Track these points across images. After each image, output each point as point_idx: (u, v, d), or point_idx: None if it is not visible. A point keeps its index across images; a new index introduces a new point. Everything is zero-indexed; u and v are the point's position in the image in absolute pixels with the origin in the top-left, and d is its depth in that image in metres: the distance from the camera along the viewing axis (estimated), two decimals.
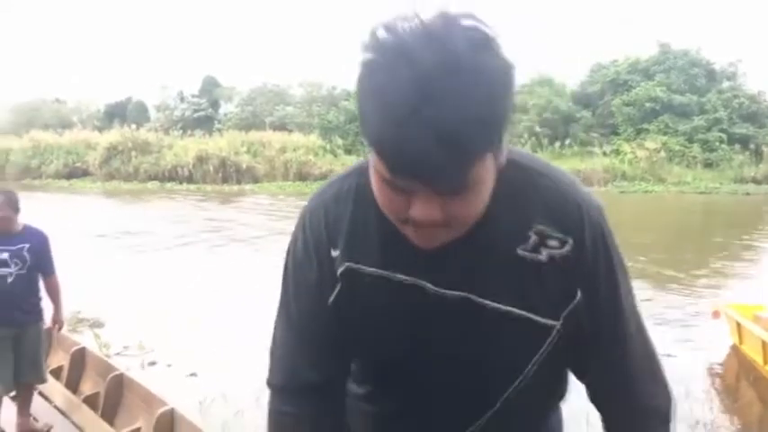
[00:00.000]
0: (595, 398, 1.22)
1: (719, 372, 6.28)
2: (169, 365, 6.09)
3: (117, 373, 4.26)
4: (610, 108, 32.31)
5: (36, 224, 4.21)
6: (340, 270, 1.12)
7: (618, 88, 32.88)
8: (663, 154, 29.17)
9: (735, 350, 6.55)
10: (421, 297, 1.08)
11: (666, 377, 1.20)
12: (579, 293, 1.09)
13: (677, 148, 29.76)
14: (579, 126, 32.28)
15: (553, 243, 1.06)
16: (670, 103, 30.77)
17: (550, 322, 1.09)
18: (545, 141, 31.19)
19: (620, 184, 27.78)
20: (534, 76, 36.96)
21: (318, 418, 1.18)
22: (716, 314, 6.71)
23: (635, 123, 31.24)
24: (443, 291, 1.08)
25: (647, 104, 30.80)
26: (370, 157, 0.97)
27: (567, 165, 28.62)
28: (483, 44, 0.86)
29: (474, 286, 1.08)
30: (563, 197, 1.08)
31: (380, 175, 0.93)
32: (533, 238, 1.06)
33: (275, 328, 1.22)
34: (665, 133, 30.34)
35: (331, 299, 1.13)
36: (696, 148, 29.93)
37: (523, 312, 1.08)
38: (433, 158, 0.83)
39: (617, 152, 30.39)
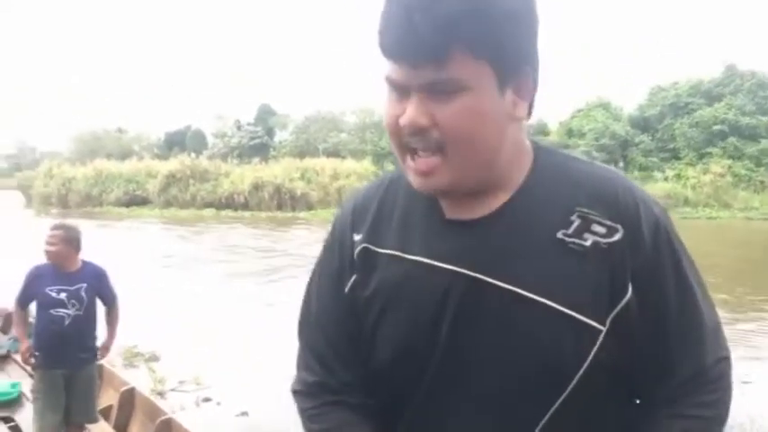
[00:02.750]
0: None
1: None
2: (219, 403, 5.93)
3: (165, 417, 4.13)
4: (671, 132, 31.45)
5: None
6: (356, 251, 1.05)
7: (678, 111, 32.01)
8: (728, 178, 28.10)
9: None
10: (440, 282, 0.96)
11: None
12: (630, 290, 0.92)
13: (743, 172, 28.68)
14: (638, 150, 31.53)
15: (599, 229, 0.93)
16: (737, 126, 29.73)
17: (595, 325, 0.92)
18: None
19: (682, 210, 26.84)
20: (591, 99, 36.44)
21: (354, 413, 1.06)
22: None
23: (698, 147, 30.30)
24: (465, 272, 0.94)
25: (714, 127, 29.82)
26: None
27: None
28: None
29: (504, 272, 0.93)
30: (614, 184, 0.97)
31: (386, 81, 0.93)
32: (576, 221, 0.93)
33: (299, 328, 1.15)
34: (730, 156, 29.29)
35: (348, 286, 1.06)
36: (764, 172, 28.77)
37: (562, 308, 0.91)
38: (412, 23, 0.84)
39: (678, 177, 29.46)
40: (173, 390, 6.23)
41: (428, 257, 0.97)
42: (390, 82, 0.92)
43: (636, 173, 30.38)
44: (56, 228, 3.93)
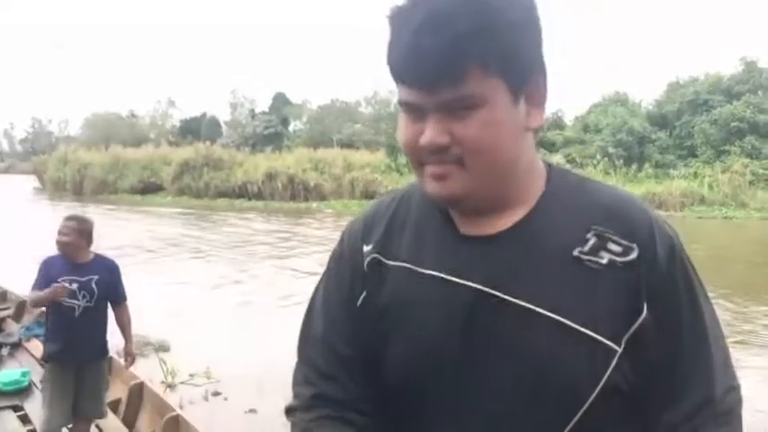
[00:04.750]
0: None
1: None
2: (226, 399, 5.91)
3: (173, 414, 4.11)
4: (688, 129, 31.09)
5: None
6: (366, 261, 1.05)
7: (697, 108, 31.63)
8: (746, 177, 27.72)
9: None
10: (453, 297, 0.95)
11: None
12: (645, 310, 0.91)
13: (761, 171, 28.24)
14: (654, 147, 31.21)
15: (615, 248, 0.93)
16: (756, 124, 29.31)
17: (610, 344, 0.90)
18: (619, 162, 30.22)
19: (698, 209, 26.54)
20: (608, 93, 36.15)
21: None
22: None
23: (716, 145, 29.93)
24: (479, 287, 0.94)
25: (733, 124, 29.42)
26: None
27: (641, 187, 27.63)
28: None
29: (518, 288, 0.92)
30: (628, 204, 0.98)
31: (400, 104, 0.94)
32: (592, 240, 0.93)
33: (300, 342, 1.14)
34: (748, 155, 28.90)
35: (359, 301, 1.06)
36: None
37: (577, 326, 0.90)
38: (423, 47, 0.85)
39: (695, 175, 29.12)
40: (182, 383, 6.21)
41: (441, 272, 0.97)
42: (405, 105, 0.93)
43: (652, 170, 30.05)
44: (69, 219, 3.93)
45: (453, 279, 0.96)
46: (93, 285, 3.83)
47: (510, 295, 0.92)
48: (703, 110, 31.41)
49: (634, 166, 30.23)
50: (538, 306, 0.91)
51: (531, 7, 0.92)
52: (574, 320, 0.90)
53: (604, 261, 0.92)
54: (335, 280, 1.11)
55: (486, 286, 0.93)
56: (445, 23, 0.85)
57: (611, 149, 30.62)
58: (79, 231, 3.84)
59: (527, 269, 0.94)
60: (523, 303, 0.92)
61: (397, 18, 0.90)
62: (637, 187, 27.96)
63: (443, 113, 0.89)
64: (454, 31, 0.85)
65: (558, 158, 30.52)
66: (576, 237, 0.94)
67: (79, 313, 3.79)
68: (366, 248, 1.07)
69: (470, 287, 0.94)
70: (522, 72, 0.91)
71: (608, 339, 0.90)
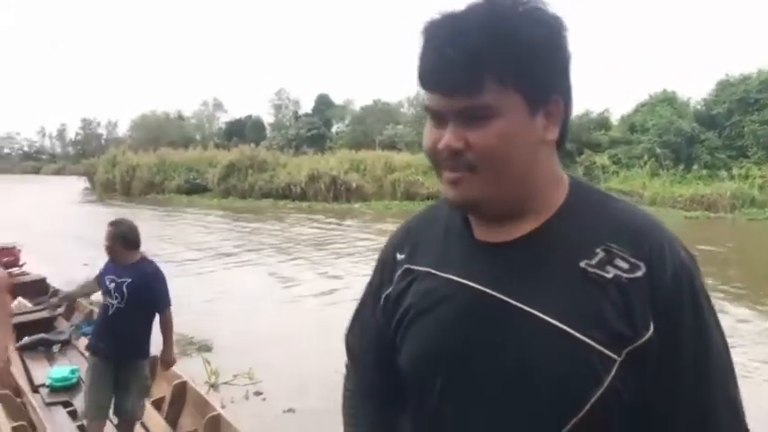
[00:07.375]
0: None
1: None
2: (264, 399, 5.98)
3: (214, 413, 4.20)
4: (738, 129, 30.21)
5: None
6: (398, 272, 1.15)
7: (748, 108, 30.70)
8: None
9: None
10: (463, 298, 1.03)
11: None
12: (652, 329, 0.93)
13: None
14: (703, 148, 30.43)
15: (622, 264, 0.95)
16: None
17: (609, 353, 0.93)
18: (666, 163, 29.55)
19: (748, 211, 25.76)
20: (656, 90, 35.39)
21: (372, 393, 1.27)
22: None
23: (767, 146, 29.01)
24: (488, 291, 1.00)
25: None
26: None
27: (690, 189, 26.98)
28: (526, 7, 0.95)
29: (523, 294, 0.98)
30: (644, 224, 1.00)
31: (425, 110, 1.03)
32: (600, 254, 0.97)
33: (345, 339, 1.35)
34: None
35: (382, 298, 1.17)
36: None
37: (576, 333, 0.93)
38: (445, 56, 0.94)
39: (746, 176, 28.29)
40: (225, 383, 6.30)
41: (454, 274, 1.05)
42: (429, 111, 1.02)
43: (700, 171, 29.30)
44: (109, 224, 4.14)
45: (462, 281, 1.03)
46: (124, 288, 3.94)
47: (511, 298, 0.98)
48: (754, 109, 30.47)
49: (681, 167, 29.52)
50: (537, 310, 0.96)
51: (555, 30, 0.97)
52: (573, 327, 0.94)
53: (609, 275, 0.95)
54: (371, 284, 1.25)
55: (495, 290, 0.99)
56: (468, 37, 0.93)
57: (658, 150, 29.97)
58: (112, 235, 4.03)
59: (532, 276, 0.99)
60: (523, 306, 0.97)
61: (427, 30, 0.98)
62: (685, 189, 27.30)
63: (461, 121, 0.96)
64: (474, 44, 0.92)
65: (603, 160, 30.04)
66: (586, 250, 0.98)
67: (112, 312, 3.96)
68: (399, 257, 1.17)
69: (476, 289, 1.01)
70: (541, 90, 0.97)
71: (606, 348, 0.93)
